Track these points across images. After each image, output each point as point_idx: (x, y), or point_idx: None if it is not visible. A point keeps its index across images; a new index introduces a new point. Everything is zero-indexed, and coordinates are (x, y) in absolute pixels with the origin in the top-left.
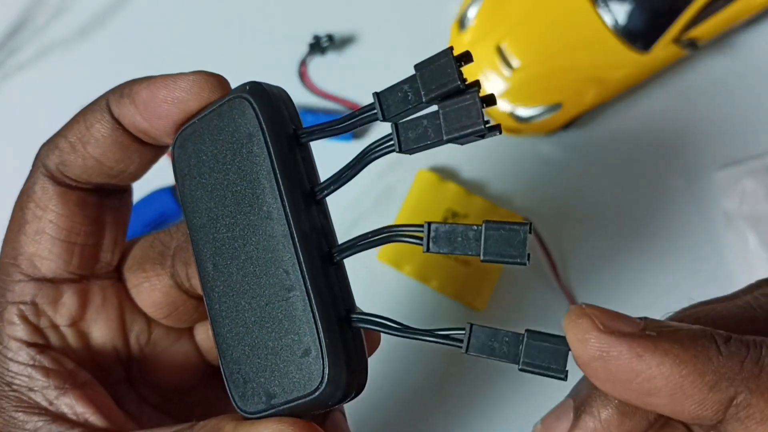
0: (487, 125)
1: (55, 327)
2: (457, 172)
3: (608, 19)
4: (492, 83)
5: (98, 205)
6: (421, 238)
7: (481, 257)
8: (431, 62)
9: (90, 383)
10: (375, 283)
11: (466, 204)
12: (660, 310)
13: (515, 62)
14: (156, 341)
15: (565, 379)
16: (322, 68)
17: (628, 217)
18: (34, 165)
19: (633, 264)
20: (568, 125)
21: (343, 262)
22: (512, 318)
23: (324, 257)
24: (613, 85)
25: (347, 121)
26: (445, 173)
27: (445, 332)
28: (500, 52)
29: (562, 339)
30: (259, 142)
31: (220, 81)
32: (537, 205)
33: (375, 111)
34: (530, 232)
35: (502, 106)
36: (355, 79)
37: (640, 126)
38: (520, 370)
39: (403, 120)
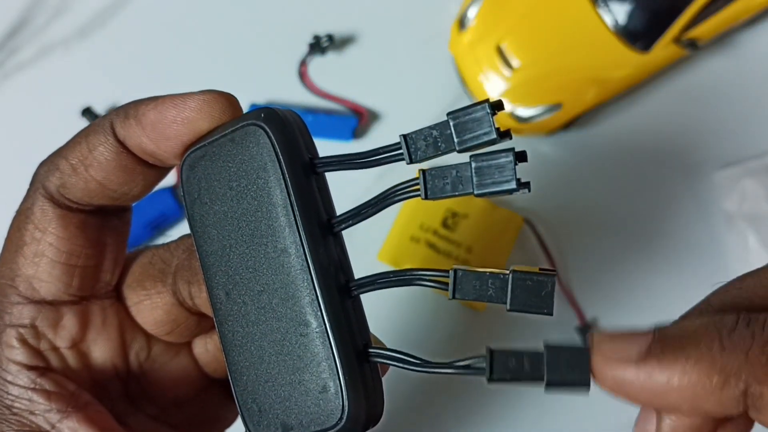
0: (518, 183)
1: (55, 349)
2: None
3: (608, 19)
4: (492, 83)
5: (99, 226)
6: (445, 284)
7: (508, 307)
8: (467, 113)
9: (91, 404)
10: None
11: (466, 204)
12: (659, 310)
13: (515, 62)
14: (155, 357)
15: (588, 389)
16: (322, 68)
17: (628, 217)
18: (32, 185)
19: (633, 264)
20: (568, 125)
21: (359, 297)
22: (512, 319)
23: (342, 291)
24: (613, 85)
25: (369, 158)
26: None
27: (465, 362)
28: (500, 52)
29: (580, 350)
30: (276, 172)
31: (230, 100)
32: (537, 205)
33: (401, 152)
34: (555, 284)
35: None
36: (355, 79)
37: (640, 126)
38: (547, 386)
39: (432, 168)
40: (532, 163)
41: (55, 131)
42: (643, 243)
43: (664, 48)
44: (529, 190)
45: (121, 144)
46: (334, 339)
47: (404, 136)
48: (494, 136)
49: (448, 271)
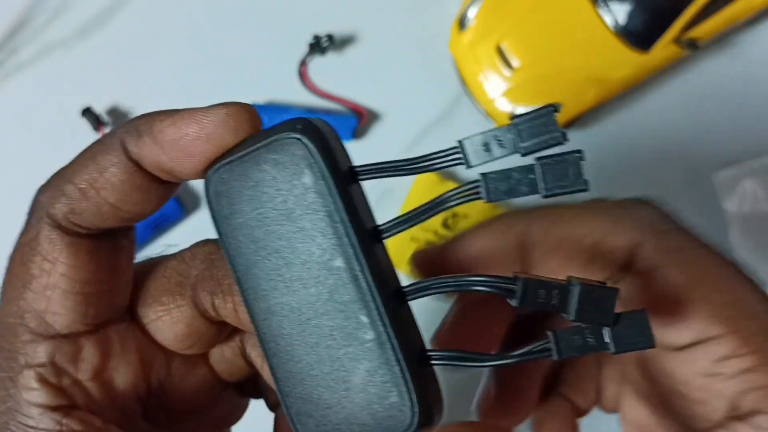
0: (586, 184)
1: (78, 383)
2: (457, 172)
3: (608, 19)
4: (492, 83)
5: (110, 248)
6: (506, 290)
7: (572, 317)
8: (533, 118)
9: None
10: None
11: (466, 204)
12: None
13: (515, 62)
14: (174, 372)
15: (653, 346)
16: (322, 68)
17: None
18: (33, 214)
19: None
20: (568, 125)
21: (409, 304)
22: None
23: (396, 297)
24: (613, 85)
25: (419, 163)
26: (445, 173)
27: (528, 348)
28: (500, 52)
29: (639, 314)
30: (319, 183)
31: (252, 113)
32: (537, 206)
33: (459, 157)
34: (617, 298)
35: (502, 106)
36: (355, 79)
37: (640, 126)
38: (614, 353)
39: (490, 171)
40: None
41: (55, 131)
42: None
43: (664, 48)
44: (588, 189)
45: (135, 163)
46: (399, 345)
47: (461, 141)
48: (560, 138)
49: (510, 278)
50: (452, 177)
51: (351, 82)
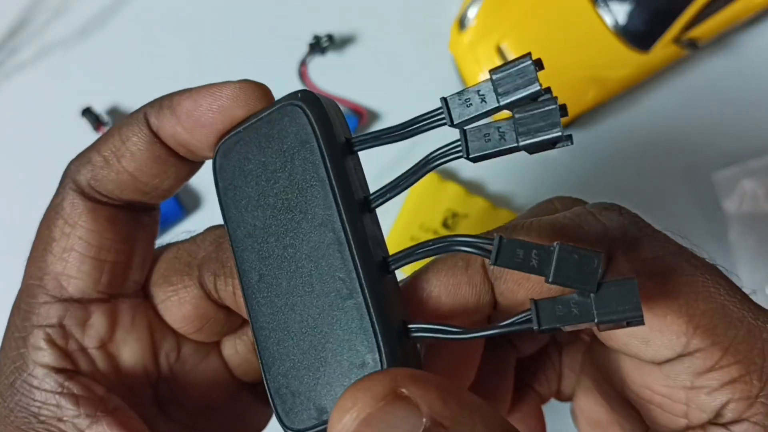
0: (564, 133)
1: (83, 350)
2: (457, 172)
3: (608, 19)
4: None
5: (129, 221)
6: (487, 251)
7: (550, 279)
8: (510, 67)
9: (121, 408)
10: None
11: (466, 204)
12: None
13: None
14: (185, 358)
15: (642, 321)
16: (322, 68)
17: None
18: (62, 181)
19: None
20: (568, 125)
21: (395, 273)
22: None
23: (380, 266)
24: (613, 85)
25: (408, 128)
26: (445, 173)
27: (510, 320)
28: (500, 52)
29: (627, 282)
30: (313, 149)
31: (265, 90)
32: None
33: (442, 116)
34: (602, 261)
35: None
36: (355, 79)
37: (640, 126)
38: (599, 324)
39: (471, 126)
40: (532, 163)
41: (55, 131)
42: None
43: (664, 48)
44: (572, 142)
45: (155, 134)
46: (374, 312)
47: (444, 98)
48: (538, 87)
49: (489, 239)
50: (452, 177)
51: (351, 82)
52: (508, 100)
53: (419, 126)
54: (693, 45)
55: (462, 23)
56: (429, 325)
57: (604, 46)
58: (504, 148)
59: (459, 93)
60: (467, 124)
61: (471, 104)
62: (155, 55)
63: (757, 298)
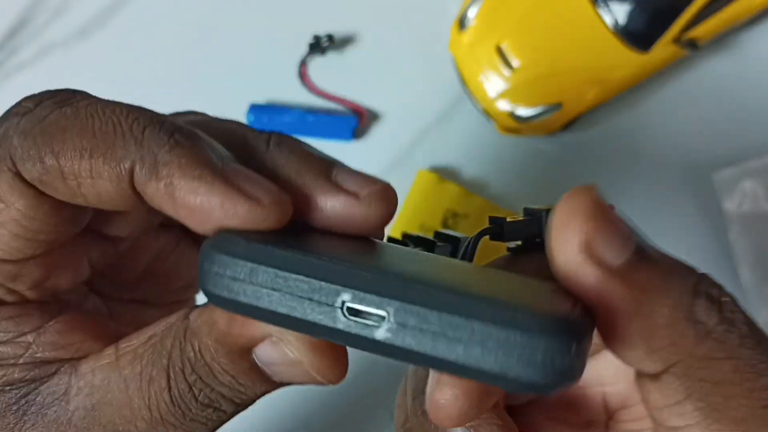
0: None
1: (12, 293)
2: (457, 172)
3: (608, 19)
4: (492, 83)
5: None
6: None
7: None
8: None
9: (67, 309)
10: None
11: (466, 204)
12: None
13: (515, 62)
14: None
15: None
16: (322, 68)
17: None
18: None
19: None
20: (568, 125)
21: None
22: None
23: None
24: (613, 85)
25: None
26: (445, 173)
27: None
28: (500, 52)
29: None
30: None
31: (288, 205)
32: (537, 205)
33: None
34: None
35: (502, 106)
36: (355, 79)
37: (640, 126)
38: None
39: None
40: (533, 163)
41: None
42: None
43: (664, 48)
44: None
45: (136, 193)
46: None
47: None
48: None
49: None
50: (452, 177)
51: (351, 82)
52: None
53: None
54: (693, 45)
55: (462, 23)
56: None
57: (604, 46)
58: None
59: None
60: None
61: None
62: (155, 55)
63: (756, 298)
